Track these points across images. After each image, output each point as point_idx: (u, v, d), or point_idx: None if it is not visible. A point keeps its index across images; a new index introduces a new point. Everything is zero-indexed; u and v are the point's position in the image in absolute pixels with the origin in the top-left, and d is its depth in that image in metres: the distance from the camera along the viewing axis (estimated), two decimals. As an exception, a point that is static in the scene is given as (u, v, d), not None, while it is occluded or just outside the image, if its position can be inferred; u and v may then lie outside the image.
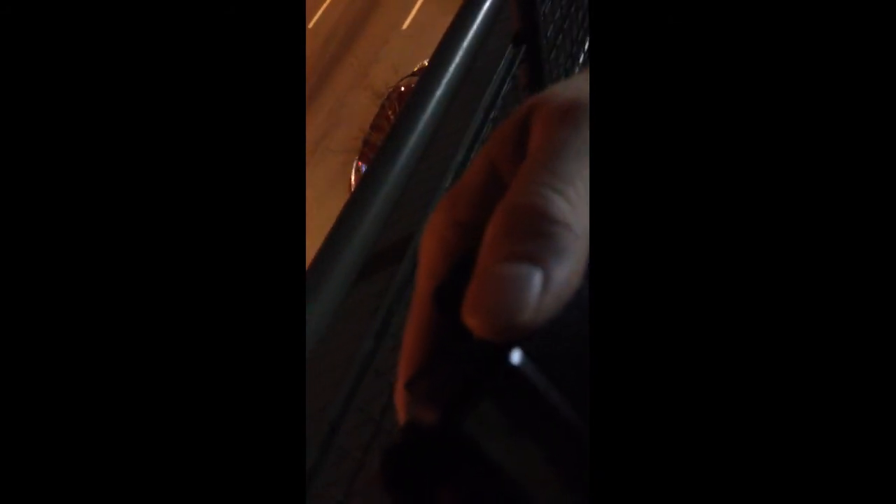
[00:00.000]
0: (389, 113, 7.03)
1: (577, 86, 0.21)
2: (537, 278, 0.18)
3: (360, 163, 7.25)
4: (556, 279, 0.18)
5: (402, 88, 7.26)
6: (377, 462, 0.19)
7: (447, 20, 0.89)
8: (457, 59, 0.85)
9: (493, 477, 0.18)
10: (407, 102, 0.86)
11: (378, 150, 0.86)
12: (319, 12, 10.24)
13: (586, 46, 1.70)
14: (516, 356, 0.18)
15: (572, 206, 0.19)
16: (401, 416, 0.22)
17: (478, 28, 0.86)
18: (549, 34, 1.25)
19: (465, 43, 0.85)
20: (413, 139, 0.85)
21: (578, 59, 1.71)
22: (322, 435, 0.90)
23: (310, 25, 9.88)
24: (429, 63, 0.88)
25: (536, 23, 1.06)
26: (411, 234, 1.12)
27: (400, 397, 0.22)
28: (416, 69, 7.48)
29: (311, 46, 9.45)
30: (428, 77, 0.85)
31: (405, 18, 9.94)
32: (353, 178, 7.29)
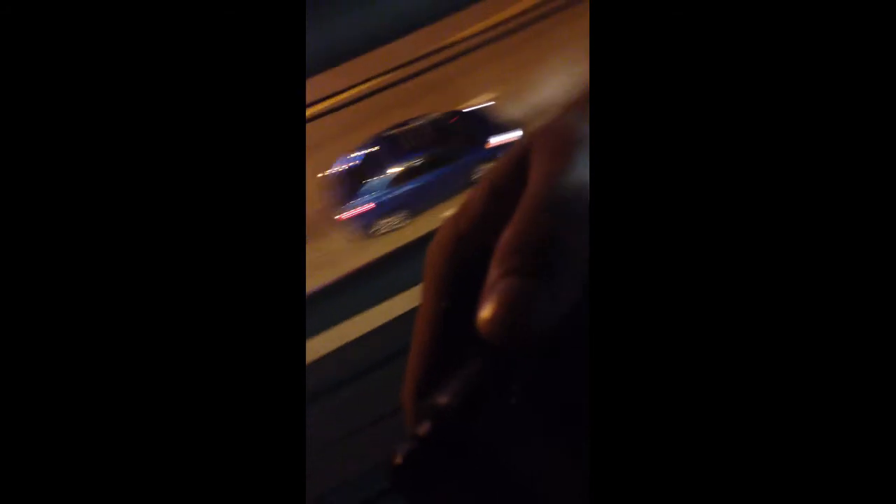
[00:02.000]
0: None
1: (570, 122, 0.24)
2: (545, 291, 0.20)
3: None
4: (560, 292, 0.20)
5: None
6: (391, 469, 0.20)
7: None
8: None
9: (503, 474, 0.20)
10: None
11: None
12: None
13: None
14: (522, 363, 0.20)
15: (570, 227, 0.21)
16: (410, 423, 0.23)
17: None
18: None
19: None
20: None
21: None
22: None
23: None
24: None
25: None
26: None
27: (409, 405, 0.23)
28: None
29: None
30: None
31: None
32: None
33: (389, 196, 3.52)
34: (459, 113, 3.77)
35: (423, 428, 0.21)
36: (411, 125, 3.70)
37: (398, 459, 0.20)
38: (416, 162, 3.53)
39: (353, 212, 3.52)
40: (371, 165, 3.58)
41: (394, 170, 3.53)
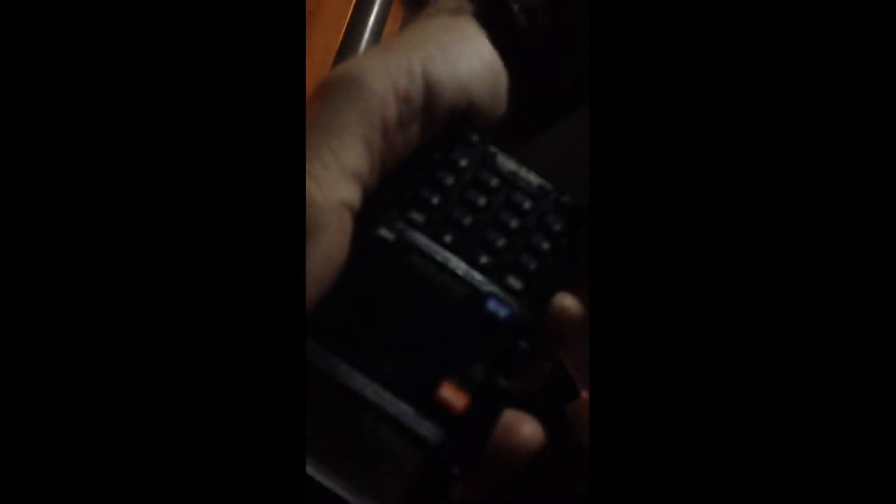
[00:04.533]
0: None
1: (345, 63, 0.21)
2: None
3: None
4: (310, 260, 0.19)
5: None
6: None
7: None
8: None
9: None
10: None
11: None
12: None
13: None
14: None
15: (317, 181, 0.19)
16: None
17: (366, 43, 0.89)
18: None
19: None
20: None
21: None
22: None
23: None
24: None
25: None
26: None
27: None
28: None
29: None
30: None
31: (338, 37, 9.74)
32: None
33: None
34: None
35: None
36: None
37: None
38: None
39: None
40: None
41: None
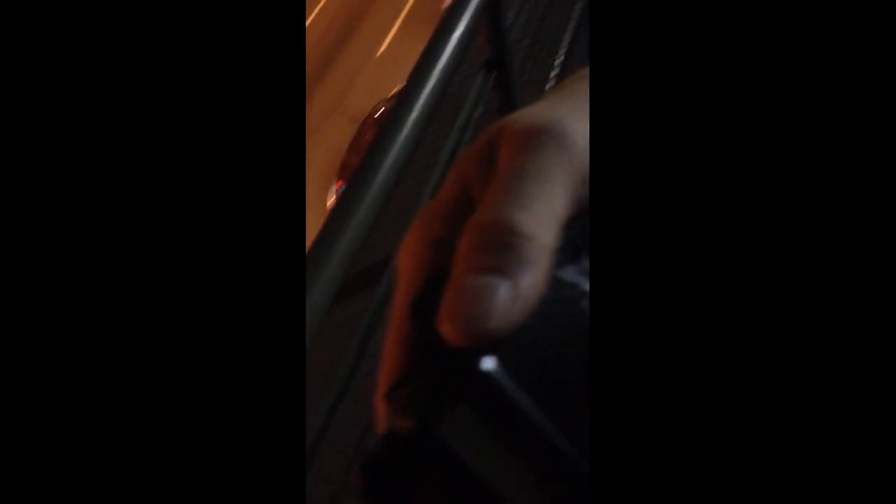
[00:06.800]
0: (367, 136, 7.11)
1: (539, 111, 0.23)
2: (505, 288, 0.19)
3: (338, 185, 7.30)
4: (522, 288, 0.20)
5: (379, 113, 7.39)
6: (356, 470, 0.20)
7: (420, 48, 0.92)
8: (430, 84, 0.87)
9: (467, 479, 0.20)
10: (383, 125, 0.88)
11: (355, 170, 0.88)
12: (295, 39, 10.34)
13: (554, 72, 1.74)
14: (489, 363, 0.19)
15: (535, 220, 0.20)
16: (379, 425, 0.22)
17: (449, 55, 0.88)
18: (519, 60, 1.29)
19: (438, 69, 0.88)
20: (389, 161, 0.87)
21: (548, 83, 1.76)
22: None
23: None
24: (403, 87, 0.90)
25: (505, 50, 1.10)
26: (388, 256, 1.14)
27: (380, 407, 0.23)
28: (391, 94, 7.68)
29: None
30: (403, 101, 0.87)
31: (379, 47, 10.10)
32: (329, 201, 7.30)
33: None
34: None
35: (387, 431, 0.21)
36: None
37: (363, 462, 0.20)
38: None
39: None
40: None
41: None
